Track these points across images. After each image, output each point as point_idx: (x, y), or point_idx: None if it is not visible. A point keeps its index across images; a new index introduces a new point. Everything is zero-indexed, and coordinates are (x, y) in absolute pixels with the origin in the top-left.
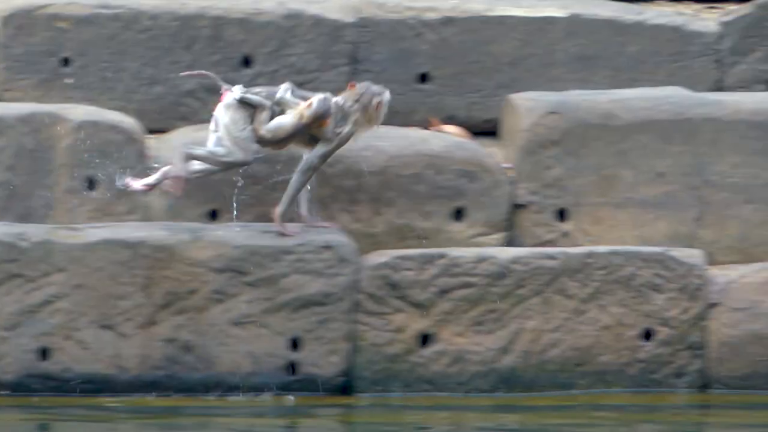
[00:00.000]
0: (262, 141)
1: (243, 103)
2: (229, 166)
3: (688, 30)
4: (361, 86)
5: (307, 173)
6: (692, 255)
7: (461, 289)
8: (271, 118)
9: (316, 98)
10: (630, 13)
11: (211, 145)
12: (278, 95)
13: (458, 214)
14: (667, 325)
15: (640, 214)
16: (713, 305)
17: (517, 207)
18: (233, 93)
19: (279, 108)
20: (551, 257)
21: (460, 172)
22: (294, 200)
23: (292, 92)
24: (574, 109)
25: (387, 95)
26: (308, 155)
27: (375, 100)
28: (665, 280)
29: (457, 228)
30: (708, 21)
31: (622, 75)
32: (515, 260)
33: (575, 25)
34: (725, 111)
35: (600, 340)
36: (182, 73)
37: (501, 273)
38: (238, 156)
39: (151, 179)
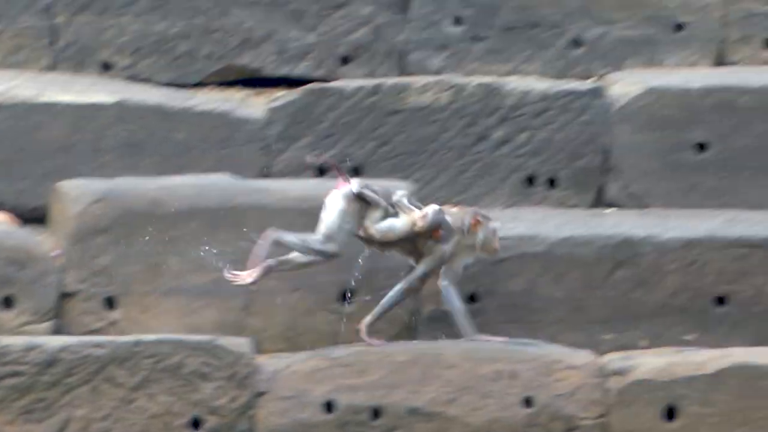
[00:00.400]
0: (369, 240)
1: (359, 197)
2: (319, 255)
3: (236, 116)
4: (468, 210)
5: (407, 293)
6: (240, 343)
7: (11, 378)
8: (383, 218)
9: (431, 209)
10: (178, 99)
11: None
12: (395, 198)
13: (7, 303)
14: (216, 413)
15: (188, 302)
16: (261, 394)
17: (66, 295)
18: (353, 185)
19: (393, 210)
20: (100, 346)
21: (9, 260)
22: (384, 315)
23: (408, 199)
24: (121, 197)
25: (493, 223)
26: (409, 277)
27: (470, 221)
28: (213, 368)
29: (6, 316)
30: (256, 107)
31: (170, 162)
32: (64, 349)
33: (124, 111)
34: (272, 198)
35: (149, 429)
36: (309, 157)
37: (50, 361)
38: (333, 248)
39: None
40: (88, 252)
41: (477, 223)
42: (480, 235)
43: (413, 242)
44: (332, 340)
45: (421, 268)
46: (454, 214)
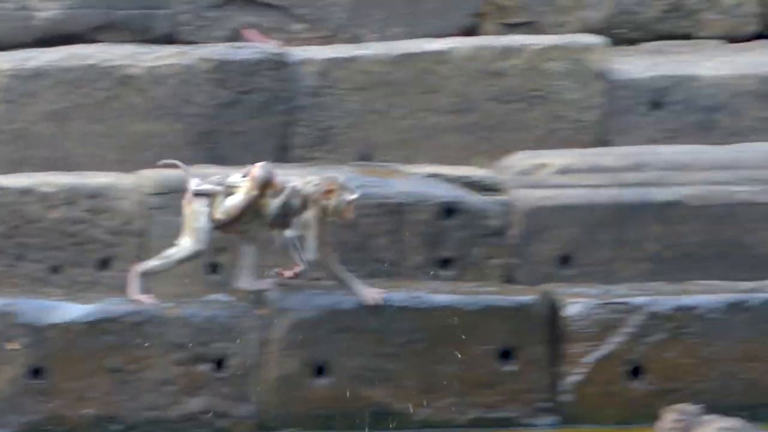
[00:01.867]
0: (220, 226)
1: (200, 195)
2: (183, 262)
3: None
4: (329, 176)
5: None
6: None
7: None
8: None
9: (255, 167)
10: None
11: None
12: (228, 180)
13: None
14: None
15: None
16: None
17: None
18: (190, 186)
19: (231, 192)
20: None
21: None
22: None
23: (242, 176)
24: None
25: (351, 195)
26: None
27: (324, 188)
28: None
29: None
30: None
31: None
32: None
33: None
34: None
35: None
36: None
37: None
38: (190, 248)
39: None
40: None
41: (330, 191)
42: (333, 201)
43: (259, 213)
44: None
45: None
46: (313, 182)
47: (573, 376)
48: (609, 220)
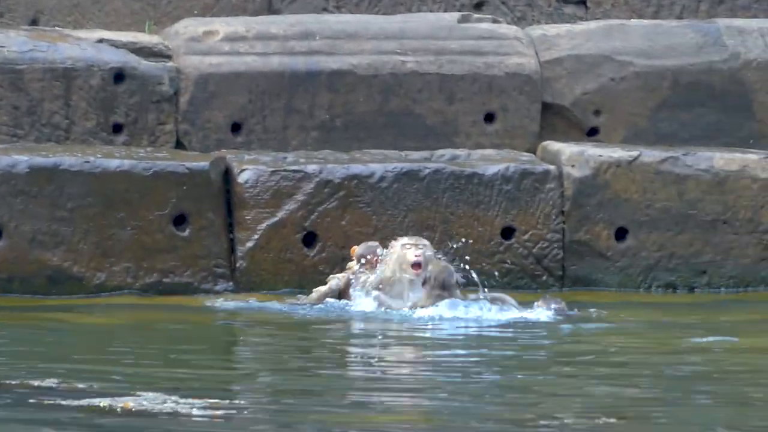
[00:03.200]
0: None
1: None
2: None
3: None
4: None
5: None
6: None
7: None
8: None
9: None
10: None
11: None
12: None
13: None
14: None
15: None
16: None
17: None
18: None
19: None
20: None
21: None
22: None
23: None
24: None
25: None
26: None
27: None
28: None
29: None
30: None
31: None
32: None
33: None
34: None
35: None
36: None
37: None
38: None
39: None
40: None
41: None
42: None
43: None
44: None
45: None
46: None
47: (248, 243)
48: (279, 89)
